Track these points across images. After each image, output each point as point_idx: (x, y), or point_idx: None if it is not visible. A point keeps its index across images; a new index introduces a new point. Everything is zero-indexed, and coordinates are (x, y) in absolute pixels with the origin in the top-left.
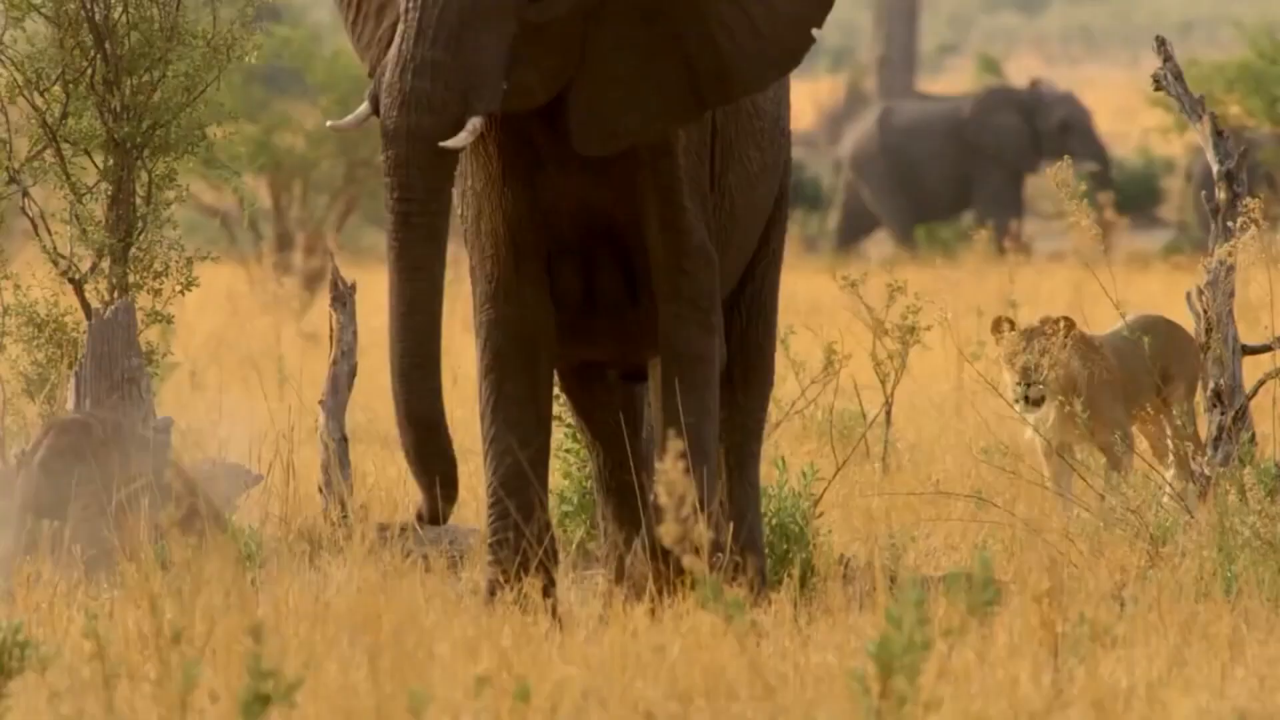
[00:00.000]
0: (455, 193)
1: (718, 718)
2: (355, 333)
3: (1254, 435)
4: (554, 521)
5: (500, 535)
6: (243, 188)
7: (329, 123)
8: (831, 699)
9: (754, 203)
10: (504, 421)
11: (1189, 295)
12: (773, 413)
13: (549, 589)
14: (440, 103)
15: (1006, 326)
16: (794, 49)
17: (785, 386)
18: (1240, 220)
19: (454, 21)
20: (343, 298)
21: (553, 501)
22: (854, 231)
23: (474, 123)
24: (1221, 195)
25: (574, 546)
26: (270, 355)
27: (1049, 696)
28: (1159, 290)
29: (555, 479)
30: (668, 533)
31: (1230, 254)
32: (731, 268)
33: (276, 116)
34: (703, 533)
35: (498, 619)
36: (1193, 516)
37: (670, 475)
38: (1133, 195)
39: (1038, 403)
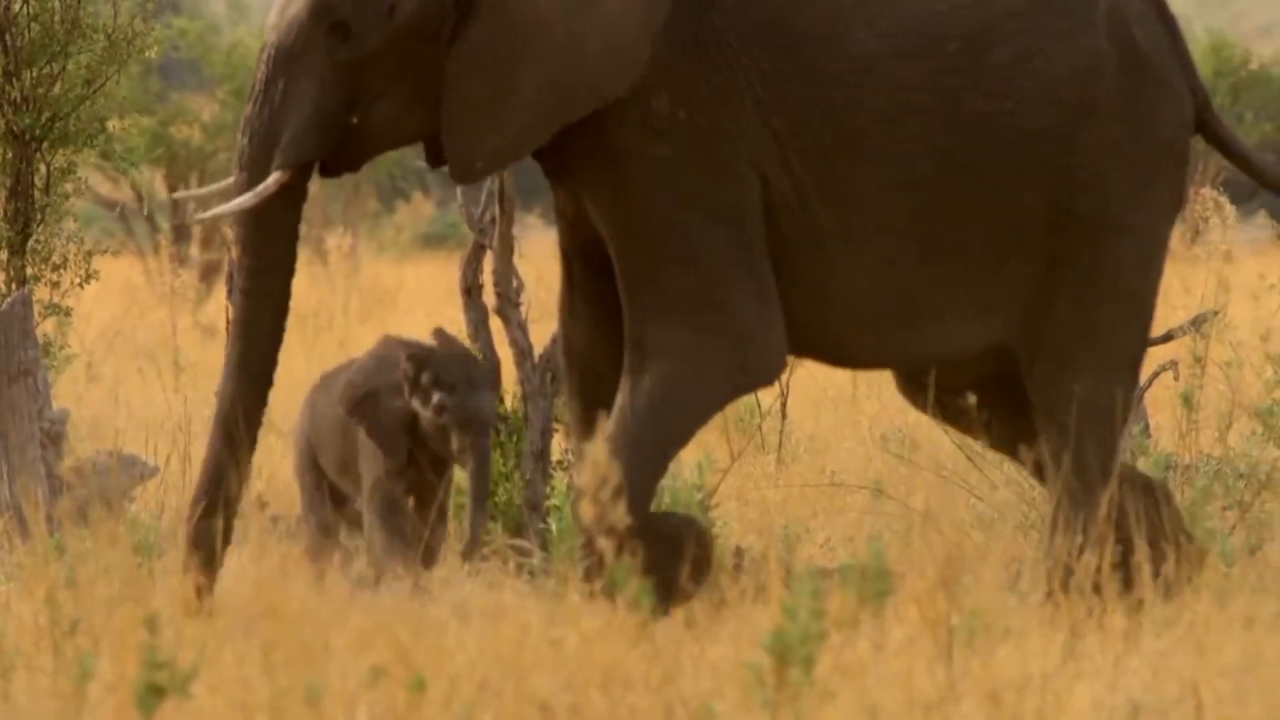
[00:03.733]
0: None
1: (613, 709)
2: None
3: (1147, 427)
4: (451, 514)
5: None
6: (141, 179)
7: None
8: (727, 691)
9: (906, 202)
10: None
11: None
12: None
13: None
14: (249, 160)
15: None
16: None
17: None
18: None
19: (265, 76)
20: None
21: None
22: None
23: (270, 180)
24: None
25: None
26: (167, 347)
27: (943, 688)
28: None
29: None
30: (585, 512)
31: None
32: (877, 269)
33: (173, 108)
34: (621, 516)
35: (394, 611)
36: None
37: (596, 456)
38: None
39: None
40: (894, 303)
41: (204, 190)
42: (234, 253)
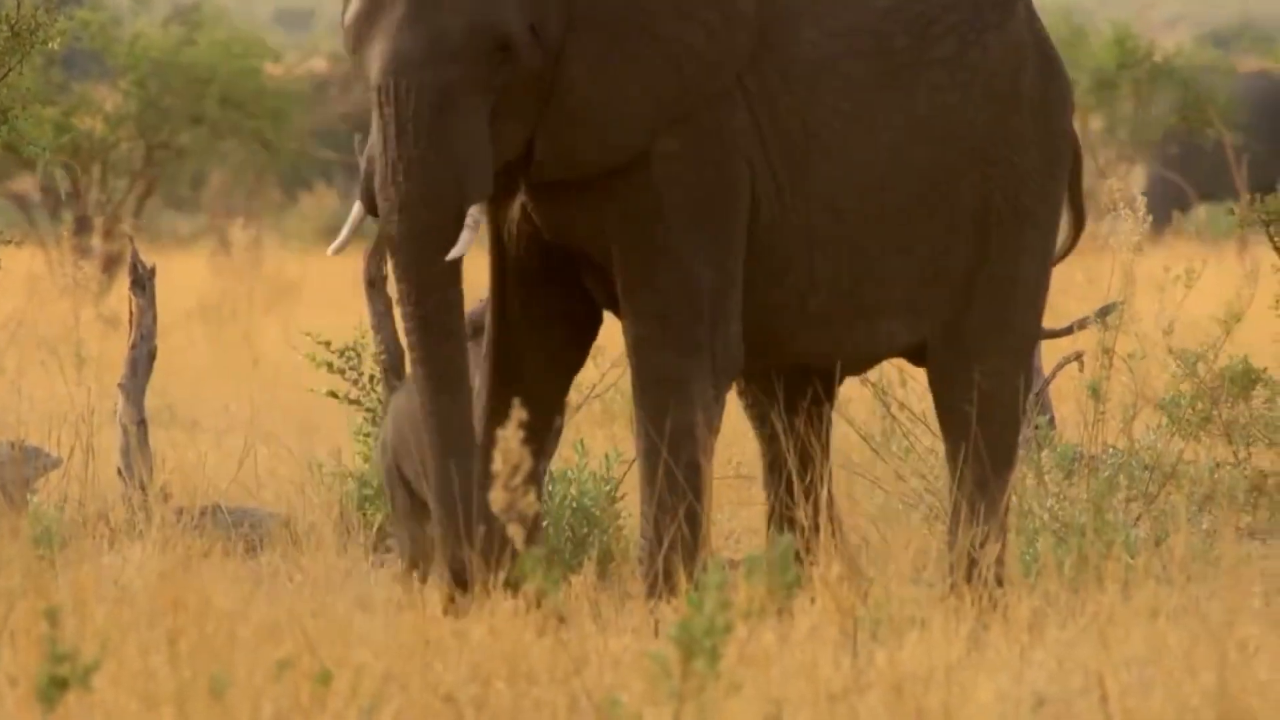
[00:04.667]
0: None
1: (518, 701)
2: (155, 316)
3: (1052, 419)
4: (354, 505)
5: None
6: (53, 165)
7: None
8: (632, 682)
9: (883, 200)
10: None
11: None
12: (573, 397)
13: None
14: (435, 199)
15: None
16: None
17: (585, 371)
18: None
19: (429, 114)
20: (142, 281)
21: (352, 486)
22: None
23: (473, 214)
24: None
25: (374, 530)
26: (69, 338)
27: (849, 679)
28: None
29: (356, 463)
30: (496, 500)
31: None
32: (858, 268)
33: (76, 99)
34: (531, 503)
35: (300, 602)
36: None
37: (509, 443)
38: None
39: None
40: (848, 300)
41: (345, 231)
42: (407, 291)
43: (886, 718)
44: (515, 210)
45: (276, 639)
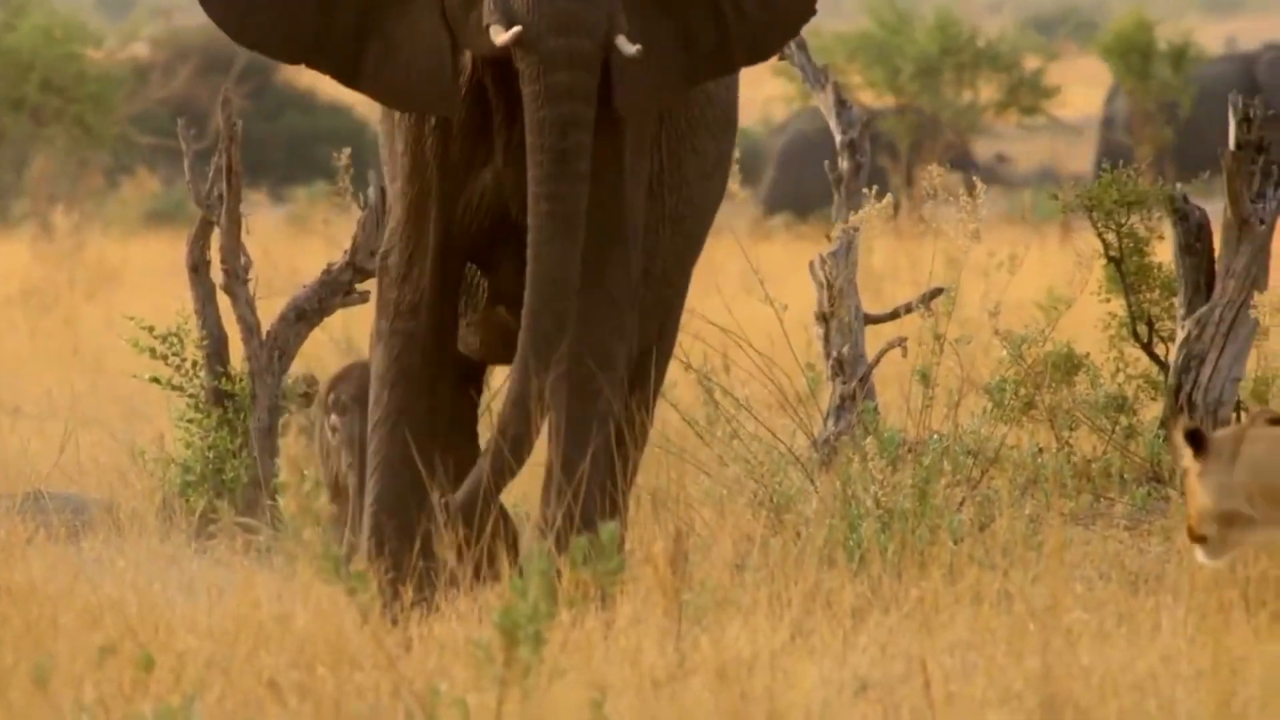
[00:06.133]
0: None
1: (341, 687)
2: None
3: (876, 405)
4: (177, 491)
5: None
6: None
7: (499, 39)
8: (456, 669)
9: (709, 194)
10: (403, 438)
11: (812, 264)
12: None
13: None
14: (592, 25)
15: None
16: (801, 16)
17: None
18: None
19: None
20: None
21: (174, 472)
22: None
23: (621, 40)
24: (845, 165)
25: (196, 516)
26: None
27: (673, 664)
28: (782, 258)
29: (178, 449)
30: (287, 506)
31: (856, 224)
32: (686, 261)
33: None
34: (324, 505)
35: (123, 588)
36: (815, 485)
37: (291, 450)
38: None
39: None
40: (667, 290)
41: (506, 36)
42: (556, 115)
43: (710, 703)
44: (488, 180)
45: (99, 625)
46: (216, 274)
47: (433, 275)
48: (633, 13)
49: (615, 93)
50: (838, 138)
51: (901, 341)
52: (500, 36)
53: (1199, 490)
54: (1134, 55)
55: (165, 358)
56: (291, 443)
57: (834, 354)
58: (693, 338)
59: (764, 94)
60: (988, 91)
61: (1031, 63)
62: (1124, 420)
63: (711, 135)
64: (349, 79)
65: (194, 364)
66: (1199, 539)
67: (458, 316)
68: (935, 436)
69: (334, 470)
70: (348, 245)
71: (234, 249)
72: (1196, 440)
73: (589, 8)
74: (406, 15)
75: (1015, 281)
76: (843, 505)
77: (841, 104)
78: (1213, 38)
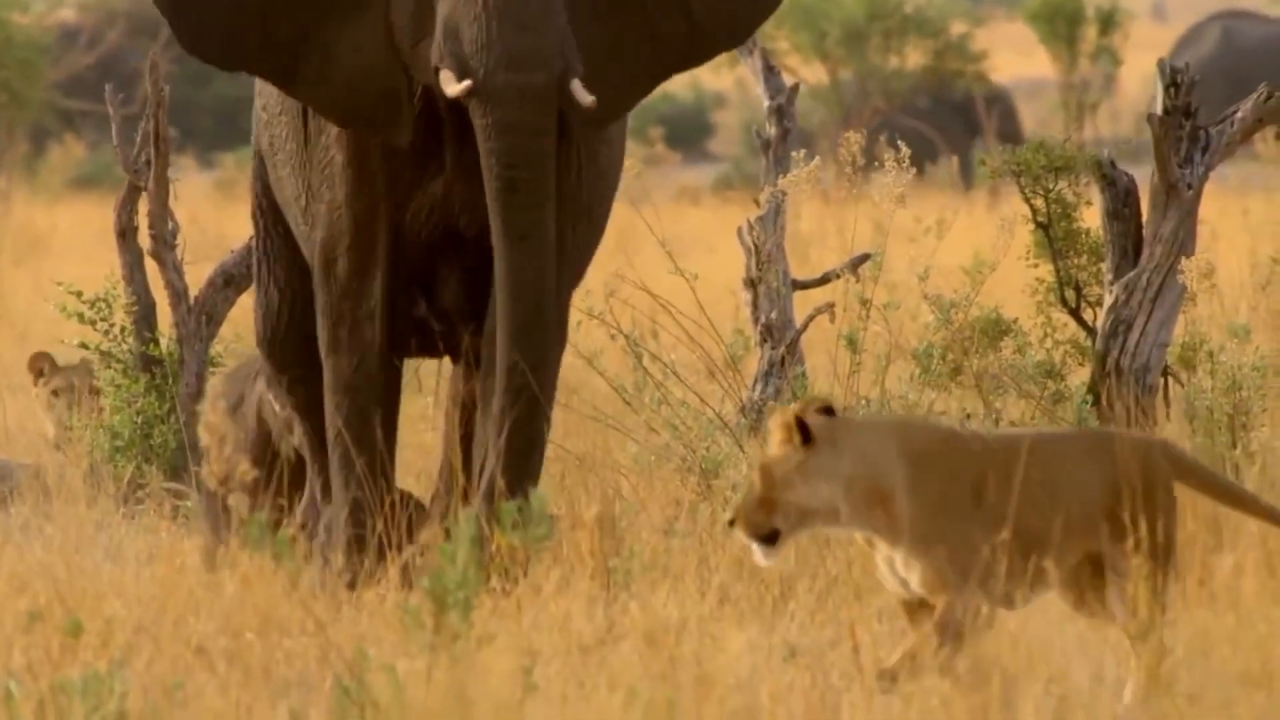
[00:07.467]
0: (294, 213)
1: (270, 654)
2: None
3: (804, 370)
4: (106, 458)
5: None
6: None
7: (450, 90)
8: (385, 635)
9: (615, 180)
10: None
11: (740, 230)
12: None
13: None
14: (545, 59)
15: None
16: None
17: None
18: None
19: None
20: None
21: (104, 438)
22: None
23: (576, 85)
24: (772, 130)
25: (125, 482)
26: None
27: (601, 630)
28: (710, 224)
29: (106, 415)
30: (211, 474)
31: (783, 189)
32: (594, 247)
33: None
34: (247, 470)
35: (50, 554)
36: (744, 450)
37: (211, 419)
38: (683, 130)
39: None
40: (576, 279)
41: (458, 89)
42: (500, 150)
43: (639, 668)
44: (438, 192)
45: (27, 590)
46: (144, 239)
47: (384, 286)
48: (596, 17)
49: (574, 116)
50: (765, 103)
51: (829, 307)
52: (452, 88)
53: (796, 482)
54: (1060, 20)
55: (93, 323)
56: (210, 409)
57: (762, 319)
58: (621, 303)
59: None
60: (914, 57)
61: (958, 28)
62: (1051, 385)
63: (607, 141)
64: (284, 83)
65: (122, 329)
66: (768, 535)
67: (408, 323)
68: (863, 402)
69: (266, 436)
70: None
71: (162, 214)
72: (805, 430)
73: (540, 41)
74: (349, 31)
75: (943, 247)
76: None
77: (769, 70)
78: (1140, 2)
